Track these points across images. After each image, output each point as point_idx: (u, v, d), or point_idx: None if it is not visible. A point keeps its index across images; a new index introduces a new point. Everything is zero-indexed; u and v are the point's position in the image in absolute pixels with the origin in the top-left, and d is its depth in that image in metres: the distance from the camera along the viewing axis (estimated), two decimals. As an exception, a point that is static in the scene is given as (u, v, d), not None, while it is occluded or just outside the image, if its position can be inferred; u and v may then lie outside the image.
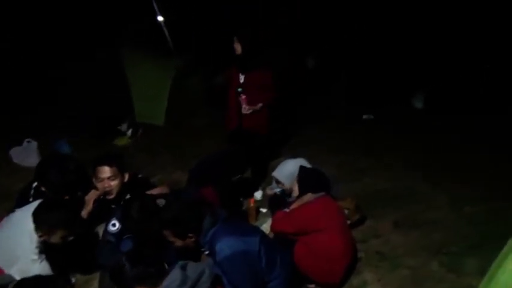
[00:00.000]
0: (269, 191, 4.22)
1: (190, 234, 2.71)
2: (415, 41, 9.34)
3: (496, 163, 5.36)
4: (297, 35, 9.60)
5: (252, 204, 4.21)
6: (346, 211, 3.87)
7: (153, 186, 3.88)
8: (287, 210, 3.30)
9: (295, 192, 3.56)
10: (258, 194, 4.79)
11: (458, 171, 5.19)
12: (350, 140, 6.66)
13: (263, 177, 5.03)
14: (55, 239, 3.02)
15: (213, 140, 5.98)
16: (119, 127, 6.98)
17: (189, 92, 7.54)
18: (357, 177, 5.25)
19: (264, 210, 4.44)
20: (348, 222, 3.71)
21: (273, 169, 3.97)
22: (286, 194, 3.81)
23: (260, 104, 4.76)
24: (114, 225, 3.18)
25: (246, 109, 4.71)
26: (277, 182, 3.84)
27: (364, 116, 8.11)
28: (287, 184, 3.73)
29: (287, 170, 3.73)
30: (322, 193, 3.10)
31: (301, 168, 3.43)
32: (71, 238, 3.09)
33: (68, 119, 7.00)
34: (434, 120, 7.47)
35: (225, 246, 2.62)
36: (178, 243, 2.77)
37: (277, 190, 3.99)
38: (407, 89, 9.18)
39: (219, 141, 5.62)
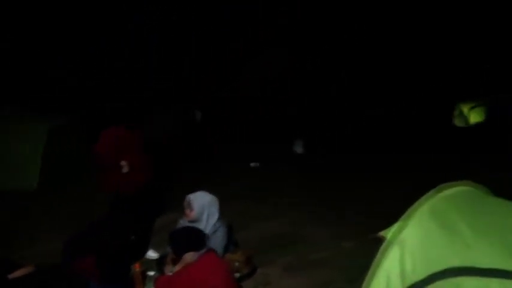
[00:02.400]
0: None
1: None
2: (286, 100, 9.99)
3: (369, 197, 6.01)
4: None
5: (137, 269, 3.94)
6: (236, 264, 3.87)
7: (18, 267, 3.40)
8: (171, 273, 3.15)
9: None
10: (151, 253, 4.54)
11: (336, 209, 5.67)
12: (240, 188, 6.82)
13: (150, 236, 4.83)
14: None
15: (95, 204, 5.57)
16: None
17: (69, 154, 7.04)
18: (249, 224, 5.34)
19: (151, 273, 4.18)
20: (238, 275, 3.70)
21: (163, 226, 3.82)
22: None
23: None
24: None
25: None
26: (189, 206, 3.74)
27: (252, 164, 8.48)
28: (196, 212, 3.68)
29: (202, 199, 3.74)
30: (204, 249, 3.06)
31: (173, 231, 3.35)
32: None
33: None
34: (313, 162, 8.14)
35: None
36: None
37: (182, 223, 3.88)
38: (289, 137, 9.92)
39: (100, 205, 5.25)
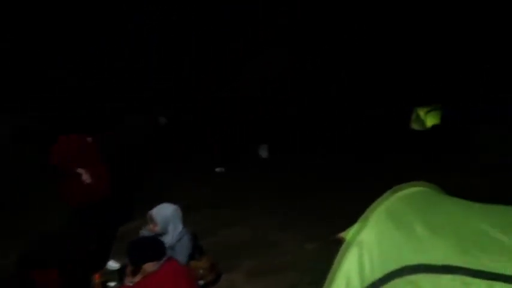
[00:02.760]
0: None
1: None
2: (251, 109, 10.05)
3: (333, 199, 6.13)
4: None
5: (96, 280, 3.81)
6: (201, 271, 3.82)
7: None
8: (131, 284, 3.06)
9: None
10: (112, 264, 4.39)
11: (300, 212, 5.73)
12: (206, 194, 6.77)
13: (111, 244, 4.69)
14: None
15: (54, 213, 5.35)
16: None
17: (23, 162, 6.71)
18: (214, 231, 5.30)
19: (112, 284, 4.05)
20: (202, 282, 3.66)
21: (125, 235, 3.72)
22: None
23: None
24: None
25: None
26: (152, 221, 3.66)
27: (217, 169, 8.45)
28: (160, 227, 3.61)
29: (165, 212, 3.65)
30: (165, 258, 3.00)
31: (131, 242, 3.27)
32: None
33: None
34: (278, 165, 8.20)
35: None
36: None
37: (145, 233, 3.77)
38: (254, 141, 9.96)
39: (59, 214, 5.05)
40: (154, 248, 2.96)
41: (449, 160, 7.93)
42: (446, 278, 1.52)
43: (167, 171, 7.99)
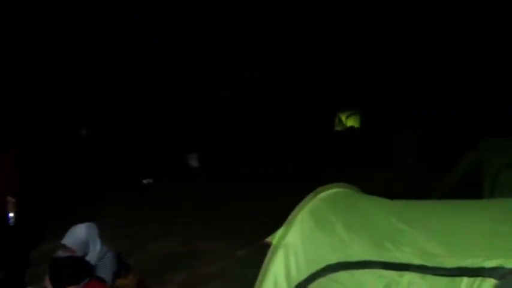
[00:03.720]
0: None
1: None
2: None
3: (263, 206, 6.23)
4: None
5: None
6: (128, 289, 3.65)
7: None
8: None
9: None
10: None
11: (230, 220, 5.73)
12: (133, 207, 6.50)
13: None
14: None
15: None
16: None
17: None
18: (141, 246, 5.10)
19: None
20: (130, 300, 3.50)
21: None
22: None
23: None
24: None
25: None
26: (67, 249, 3.36)
27: (144, 181, 8.17)
28: (79, 251, 3.31)
29: (79, 236, 3.36)
30: (87, 280, 2.82)
31: (53, 262, 3.04)
32: None
33: None
34: (207, 174, 8.15)
35: None
36: None
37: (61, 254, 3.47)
38: (183, 151, 9.81)
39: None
40: (78, 269, 2.75)
41: (368, 160, 8.48)
42: (363, 273, 1.61)
43: (91, 185, 7.55)
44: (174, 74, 10.45)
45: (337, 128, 12.20)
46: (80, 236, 3.40)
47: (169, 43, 10.13)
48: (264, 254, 2.38)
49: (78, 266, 2.82)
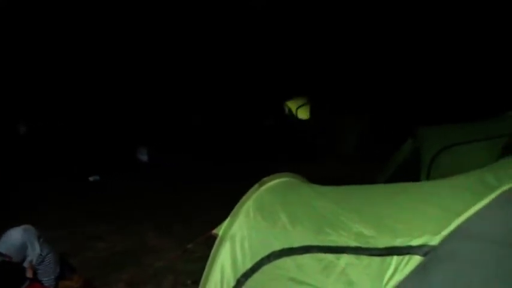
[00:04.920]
0: None
1: None
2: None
3: (214, 201, 6.21)
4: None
5: None
6: (71, 291, 3.52)
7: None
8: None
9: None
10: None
11: (181, 216, 5.69)
12: (77, 206, 6.24)
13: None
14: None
15: None
16: None
17: None
18: (87, 245, 4.92)
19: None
20: (74, 301, 3.38)
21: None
22: None
23: None
24: None
25: None
26: (4, 256, 3.15)
27: (90, 178, 7.85)
28: (16, 257, 3.11)
29: (14, 240, 3.16)
30: (26, 283, 2.68)
31: None
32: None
33: None
34: (157, 170, 8.00)
35: None
36: None
37: None
38: (132, 144, 9.51)
39: None
40: (13, 276, 2.60)
41: (317, 150, 8.71)
42: (305, 257, 1.68)
43: (32, 185, 7.14)
44: (122, 66, 10.15)
45: (290, 119, 12.27)
46: (16, 240, 3.21)
47: (113, 36, 9.81)
48: (210, 247, 2.40)
49: (11, 273, 2.66)
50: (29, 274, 2.92)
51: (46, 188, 7.15)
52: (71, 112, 9.70)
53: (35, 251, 3.25)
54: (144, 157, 9.40)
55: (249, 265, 1.97)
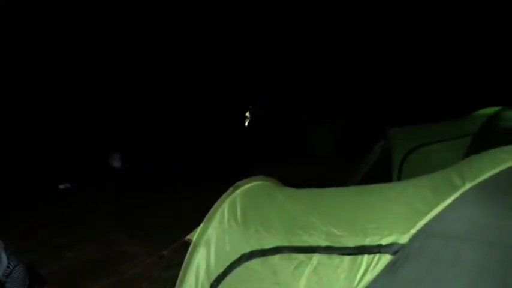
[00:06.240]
0: None
1: None
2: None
3: (182, 203, 6.17)
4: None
5: None
6: (43, 300, 3.42)
7: None
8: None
9: None
10: None
11: (154, 220, 5.62)
12: (46, 215, 6.05)
13: None
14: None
15: None
16: None
17: None
18: (58, 255, 4.78)
19: None
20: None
21: None
22: None
23: None
24: None
25: None
26: None
27: (61, 186, 7.65)
28: None
29: None
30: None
31: None
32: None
33: None
34: (130, 175, 7.87)
35: None
36: None
37: None
38: (104, 151, 9.31)
39: None
40: None
41: (289, 151, 8.78)
42: (275, 258, 1.69)
43: (1, 194, 6.89)
44: (94, 70, 9.94)
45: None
46: None
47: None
48: (184, 252, 2.38)
49: None
50: None
51: (15, 197, 6.91)
52: (42, 116, 9.42)
53: (2, 263, 3.12)
54: (117, 163, 9.23)
55: (221, 269, 1.96)
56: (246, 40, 10.52)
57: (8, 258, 3.14)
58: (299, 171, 6.50)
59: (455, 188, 1.48)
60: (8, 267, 3.12)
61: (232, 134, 10.49)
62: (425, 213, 1.42)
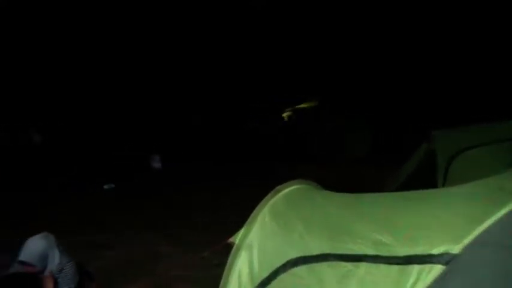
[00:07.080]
0: None
1: None
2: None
3: (225, 206, 6.22)
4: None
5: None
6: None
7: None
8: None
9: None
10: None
11: (192, 223, 5.70)
12: (92, 214, 6.30)
13: None
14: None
15: None
16: None
17: None
18: (97, 254, 4.93)
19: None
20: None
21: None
22: None
23: None
24: None
25: None
26: (28, 266, 3.18)
27: (105, 186, 7.93)
28: (39, 266, 3.15)
29: (35, 249, 3.18)
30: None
31: (2, 281, 2.86)
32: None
33: None
34: (170, 176, 8.04)
35: None
36: None
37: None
38: (146, 152, 9.60)
39: None
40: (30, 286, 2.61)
41: (323, 156, 8.68)
42: (321, 265, 1.66)
43: (47, 192, 7.24)
44: (132, 72, 10.25)
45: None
46: (37, 249, 3.22)
47: (123, 44, 9.93)
48: (228, 255, 2.39)
49: (26, 284, 2.67)
50: (49, 284, 2.94)
51: (61, 196, 7.24)
52: (86, 120, 9.85)
53: (55, 259, 3.27)
54: (157, 164, 9.47)
55: (265, 274, 1.96)
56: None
57: (60, 254, 3.31)
58: (336, 173, 6.41)
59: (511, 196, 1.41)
60: (60, 263, 3.28)
61: (269, 133, 10.47)
62: (480, 222, 1.35)
